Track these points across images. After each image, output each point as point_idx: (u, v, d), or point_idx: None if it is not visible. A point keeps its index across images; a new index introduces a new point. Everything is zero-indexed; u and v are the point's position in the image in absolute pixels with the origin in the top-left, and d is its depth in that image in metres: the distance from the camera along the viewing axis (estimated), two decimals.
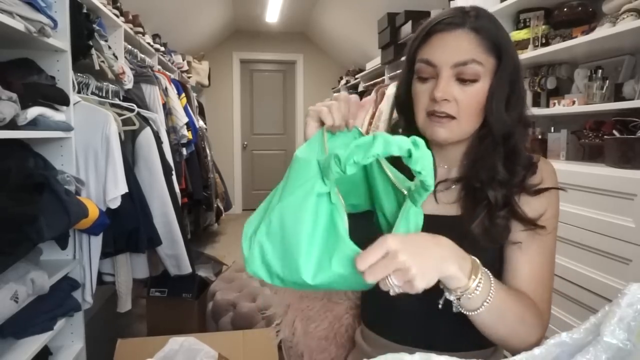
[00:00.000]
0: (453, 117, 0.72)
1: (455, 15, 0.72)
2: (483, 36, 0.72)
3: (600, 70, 1.78)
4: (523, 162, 0.75)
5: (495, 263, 0.73)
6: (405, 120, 0.83)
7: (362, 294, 0.91)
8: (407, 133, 0.77)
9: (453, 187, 0.79)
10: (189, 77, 4.32)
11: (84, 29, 1.73)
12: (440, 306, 0.62)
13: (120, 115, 1.85)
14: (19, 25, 1.27)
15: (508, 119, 0.73)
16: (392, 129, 0.87)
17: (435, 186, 0.78)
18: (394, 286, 0.53)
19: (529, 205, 0.72)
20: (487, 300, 0.60)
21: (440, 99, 0.70)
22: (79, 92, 1.79)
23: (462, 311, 0.61)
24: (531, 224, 0.71)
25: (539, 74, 2.16)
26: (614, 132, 1.64)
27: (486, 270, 0.61)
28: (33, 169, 1.47)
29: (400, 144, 0.52)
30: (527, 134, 0.78)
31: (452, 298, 0.60)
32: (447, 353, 0.49)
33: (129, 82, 2.25)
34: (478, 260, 0.60)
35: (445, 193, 0.79)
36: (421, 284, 0.53)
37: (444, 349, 0.58)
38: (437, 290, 0.59)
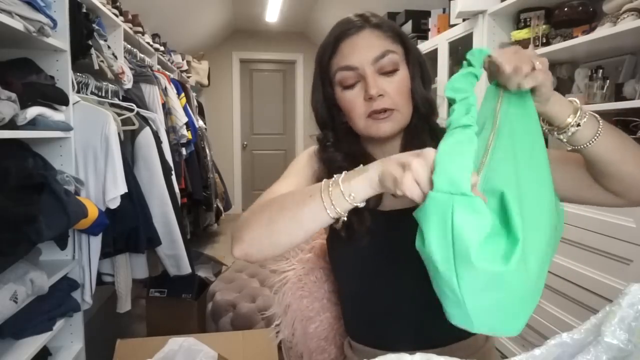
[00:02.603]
0: (392, 110, 0.75)
1: (355, 20, 0.77)
2: (386, 30, 0.77)
3: (600, 70, 1.78)
4: (442, 131, 0.78)
5: None
6: (332, 134, 0.83)
7: (344, 308, 0.91)
8: (337, 146, 0.83)
9: None
10: (188, 77, 4.31)
11: (84, 29, 1.73)
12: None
13: (119, 115, 1.85)
14: (18, 24, 1.26)
15: (429, 96, 0.80)
16: (320, 144, 0.86)
17: None
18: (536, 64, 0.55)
19: None
20: (599, 128, 0.61)
21: (376, 95, 0.73)
22: (78, 91, 1.78)
23: (577, 148, 0.63)
24: None
25: None
26: None
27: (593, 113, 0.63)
28: (32, 169, 1.47)
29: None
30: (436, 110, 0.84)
31: (564, 134, 0.62)
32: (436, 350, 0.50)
33: (128, 82, 2.25)
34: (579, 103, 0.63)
35: None
36: (546, 81, 0.56)
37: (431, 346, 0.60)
38: (426, 294, 0.59)
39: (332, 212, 0.58)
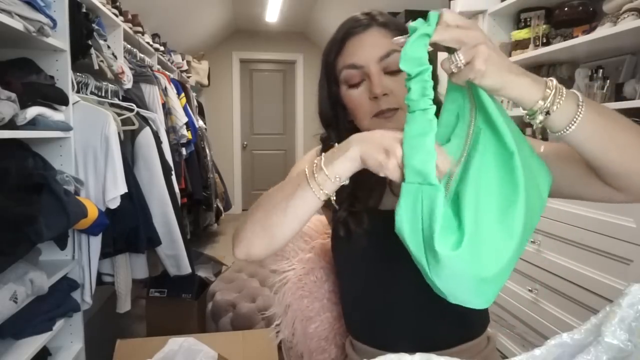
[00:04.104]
0: (396, 109, 0.74)
1: (362, 19, 0.77)
2: (392, 28, 0.76)
3: (601, 70, 1.78)
4: None
5: None
6: (335, 133, 0.83)
7: (345, 307, 0.91)
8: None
9: None
10: (188, 77, 4.31)
11: (83, 29, 1.73)
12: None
13: (119, 115, 1.85)
14: (18, 24, 1.26)
15: (436, 97, 0.79)
16: (323, 144, 0.87)
17: (390, 181, 0.81)
18: (458, 60, 0.51)
19: None
20: (578, 114, 0.53)
21: (380, 94, 0.72)
22: (78, 91, 1.78)
23: (556, 134, 0.56)
24: None
25: (539, 74, 2.15)
26: None
27: (574, 91, 0.56)
28: (32, 169, 1.47)
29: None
30: None
31: (533, 120, 0.55)
32: (440, 352, 0.50)
33: (128, 82, 2.25)
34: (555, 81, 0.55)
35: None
36: (485, 71, 0.50)
37: (432, 348, 0.59)
38: (426, 294, 0.59)
39: (321, 195, 0.61)
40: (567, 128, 0.54)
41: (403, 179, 0.54)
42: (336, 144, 0.62)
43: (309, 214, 0.64)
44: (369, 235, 0.77)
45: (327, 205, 0.82)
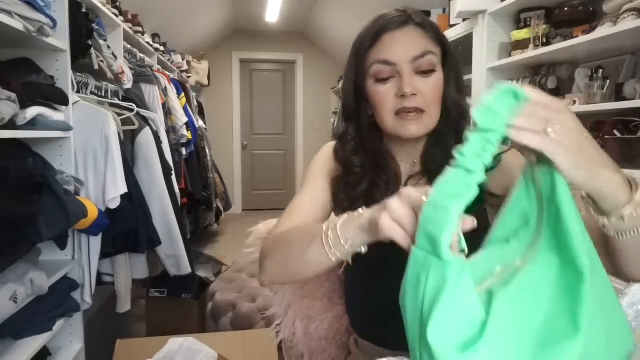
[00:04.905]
0: (422, 111, 0.74)
1: (398, 16, 0.75)
2: (428, 29, 0.76)
3: (601, 70, 1.78)
4: None
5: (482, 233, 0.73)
6: (355, 127, 0.83)
7: (349, 304, 0.91)
8: (359, 140, 0.82)
9: (421, 181, 0.81)
10: (188, 77, 4.31)
11: (83, 29, 1.73)
12: None
13: (119, 115, 1.85)
14: (18, 24, 1.26)
15: (462, 101, 0.79)
16: (340, 139, 0.85)
17: (406, 182, 0.81)
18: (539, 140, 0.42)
19: (495, 179, 0.71)
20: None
21: (409, 94, 0.72)
22: (78, 91, 1.78)
23: (611, 234, 0.49)
24: (492, 196, 0.73)
25: (539, 74, 2.15)
26: (615, 132, 1.64)
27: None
28: (32, 169, 1.47)
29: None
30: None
31: (603, 219, 0.48)
32: None
33: (128, 82, 2.25)
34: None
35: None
36: (567, 162, 0.42)
37: None
38: None
39: (333, 257, 0.57)
40: (632, 232, 0.48)
41: (407, 239, 0.46)
42: (362, 209, 0.56)
43: (322, 268, 0.62)
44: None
45: (336, 214, 0.81)
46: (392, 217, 0.46)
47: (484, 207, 0.76)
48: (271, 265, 0.69)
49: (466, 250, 0.43)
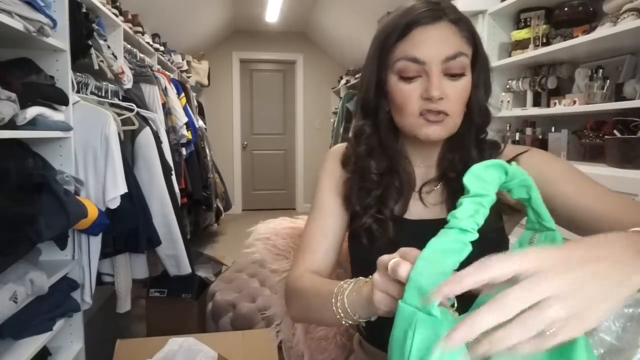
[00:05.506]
0: (446, 114, 0.68)
1: (432, 9, 0.67)
2: (462, 27, 0.69)
3: (601, 70, 1.78)
4: (489, 144, 0.75)
5: (500, 246, 0.71)
6: (371, 124, 0.77)
7: None
8: (375, 138, 0.77)
9: (436, 187, 0.77)
10: (188, 77, 4.31)
11: (83, 29, 1.73)
12: None
13: (119, 115, 1.85)
14: (18, 24, 1.26)
15: (488, 107, 0.74)
16: (355, 136, 0.80)
17: (421, 188, 0.77)
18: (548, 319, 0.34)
19: None
20: None
21: (437, 97, 0.66)
22: (78, 91, 1.78)
23: None
24: (510, 209, 0.70)
25: (539, 74, 2.15)
26: (615, 132, 1.64)
27: None
28: (32, 169, 1.47)
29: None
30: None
31: None
32: None
33: (128, 82, 2.25)
34: None
35: (431, 195, 0.77)
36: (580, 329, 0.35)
37: None
38: None
39: (346, 323, 0.58)
40: None
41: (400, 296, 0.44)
42: (363, 280, 0.56)
43: (339, 324, 0.60)
44: (394, 245, 0.73)
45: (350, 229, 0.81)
46: (380, 290, 0.47)
47: (501, 224, 0.73)
48: (295, 312, 0.74)
49: (456, 304, 0.43)
